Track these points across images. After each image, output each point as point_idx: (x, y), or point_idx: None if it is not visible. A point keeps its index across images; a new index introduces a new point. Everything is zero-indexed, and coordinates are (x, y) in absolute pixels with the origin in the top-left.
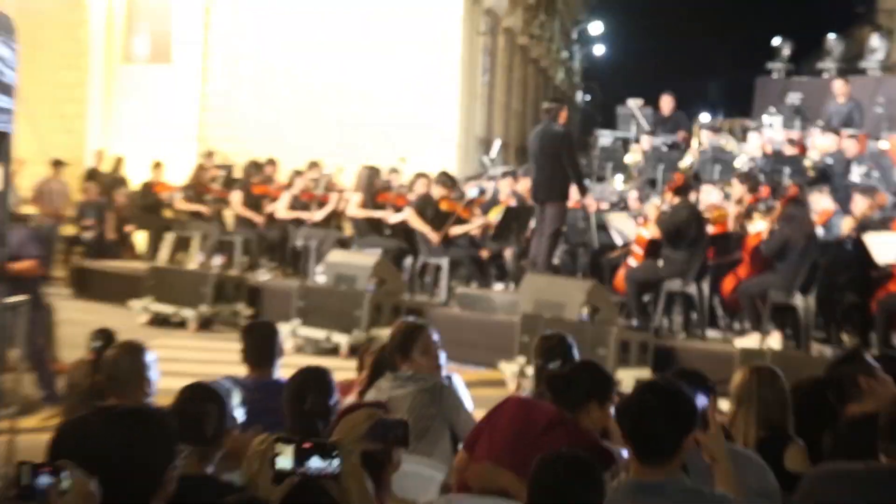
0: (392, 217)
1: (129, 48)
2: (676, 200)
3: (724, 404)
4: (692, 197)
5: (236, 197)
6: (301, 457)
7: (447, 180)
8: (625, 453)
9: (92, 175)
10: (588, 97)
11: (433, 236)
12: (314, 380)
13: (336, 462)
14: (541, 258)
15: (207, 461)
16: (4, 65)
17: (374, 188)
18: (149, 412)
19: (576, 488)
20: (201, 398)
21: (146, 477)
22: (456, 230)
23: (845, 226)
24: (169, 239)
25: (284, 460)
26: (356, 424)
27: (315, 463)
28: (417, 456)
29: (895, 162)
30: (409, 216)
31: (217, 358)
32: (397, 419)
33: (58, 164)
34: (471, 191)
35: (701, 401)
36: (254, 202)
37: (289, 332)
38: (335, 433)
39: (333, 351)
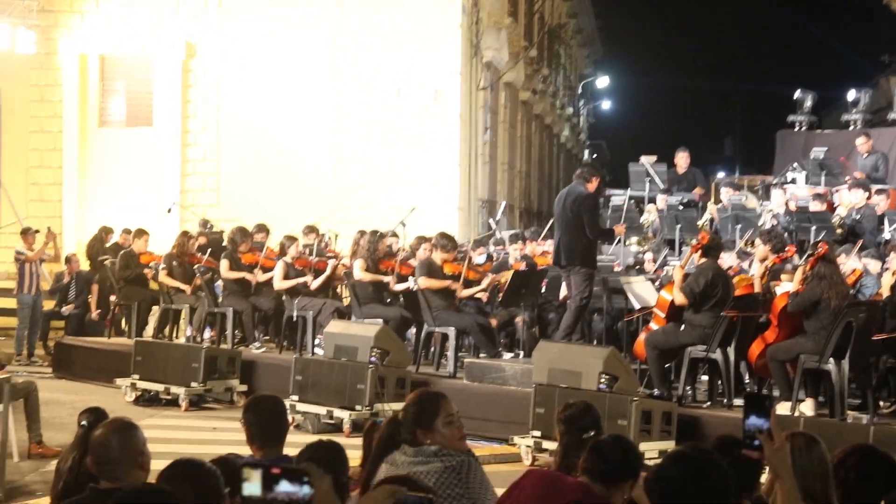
0: (398, 285)
1: (105, 111)
2: (703, 261)
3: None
4: (718, 256)
5: (224, 265)
6: (269, 482)
7: (448, 243)
8: None
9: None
10: (595, 156)
11: (456, 285)
12: (325, 455)
13: (306, 488)
14: (561, 330)
15: None
16: None
17: (378, 254)
18: (153, 493)
19: None
20: (180, 477)
21: None
22: (465, 292)
23: (885, 284)
24: (156, 312)
25: (252, 486)
26: (378, 502)
27: (284, 488)
28: None
29: None
30: (422, 282)
31: (212, 437)
32: (422, 496)
33: (25, 232)
34: (478, 257)
35: (762, 418)
36: (243, 272)
37: (286, 408)
38: None
39: (336, 428)
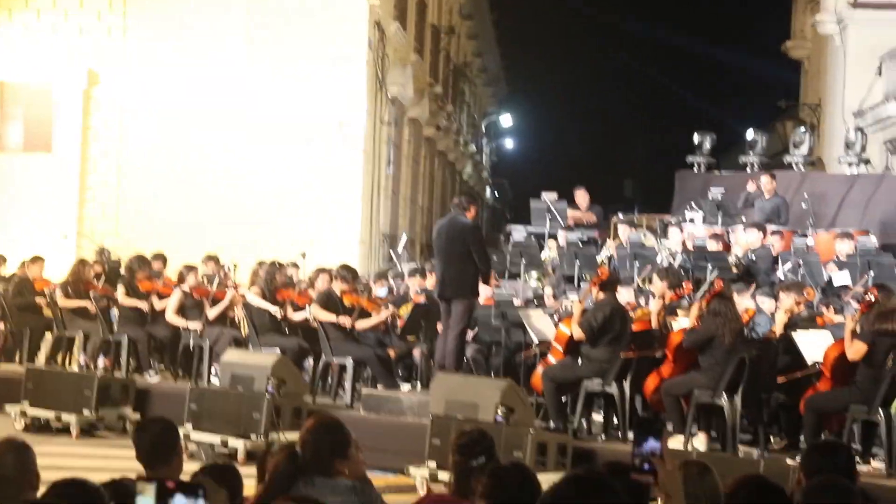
0: (296, 315)
1: (4, 136)
2: (601, 296)
3: None
4: (616, 292)
5: (121, 291)
6: (164, 496)
7: (348, 274)
8: None
9: None
10: (497, 194)
11: (345, 320)
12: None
13: (201, 502)
14: (450, 358)
15: None
16: None
17: (274, 284)
18: None
19: None
20: (64, 497)
21: None
22: (363, 323)
23: (778, 323)
24: (48, 339)
25: (146, 500)
26: None
27: (179, 502)
28: None
29: (822, 259)
30: (314, 311)
31: (104, 465)
32: None
33: None
34: (379, 290)
35: (654, 442)
36: (140, 300)
37: (177, 430)
38: None
39: (230, 457)
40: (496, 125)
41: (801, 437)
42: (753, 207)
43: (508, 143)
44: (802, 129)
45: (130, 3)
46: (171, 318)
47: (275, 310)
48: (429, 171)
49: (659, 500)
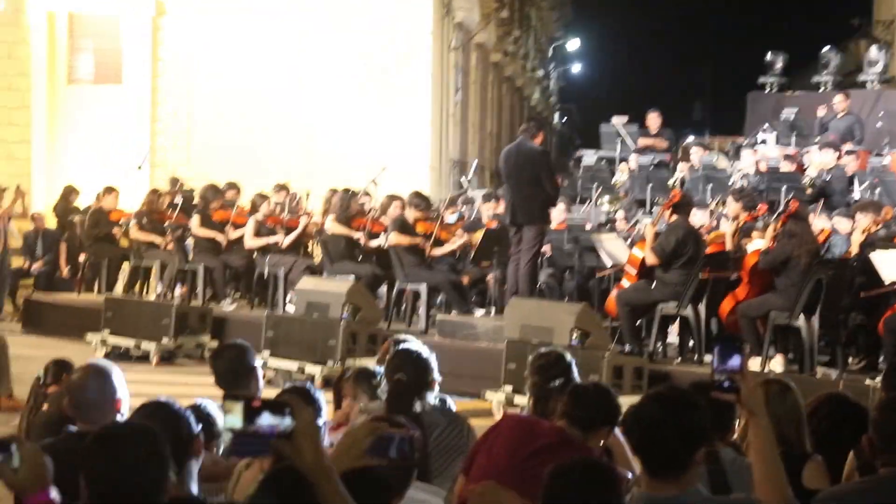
0: (372, 242)
1: (74, 69)
2: (673, 218)
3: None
4: (689, 214)
5: (195, 221)
6: (251, 414)
7: (421, 202)
8: (630, 476)
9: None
10: (565, 118)
11: (427, 245)
12: (304, 392)
13: (288, 420)
14: (523, 283)
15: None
16: None
17: (350, 212)
18: (142, 431)
19: (597, 496)
20: (150, 418)
21: (144, 499)
22: (436, 251)
23: (854, 243)
24: (126, 269)
25: (234, 419)
26: (357, 439)
27: (266, 420)
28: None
29: None
30: (392, 238)
31: (183, 392)
32: (403, 434)
33: None
34: (450, 217)
35: (735, 360)
36: (214, 229)
37: (258, 364)
38: (335, 449)
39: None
40: (563, 50)
41: (880, 358)
42: (827, 131)
43: (576, 68)
44: (877, 46)
45: None
46: (251, 243)
47: (358, 235)
48: (496, 97)
49: (741, 418)
